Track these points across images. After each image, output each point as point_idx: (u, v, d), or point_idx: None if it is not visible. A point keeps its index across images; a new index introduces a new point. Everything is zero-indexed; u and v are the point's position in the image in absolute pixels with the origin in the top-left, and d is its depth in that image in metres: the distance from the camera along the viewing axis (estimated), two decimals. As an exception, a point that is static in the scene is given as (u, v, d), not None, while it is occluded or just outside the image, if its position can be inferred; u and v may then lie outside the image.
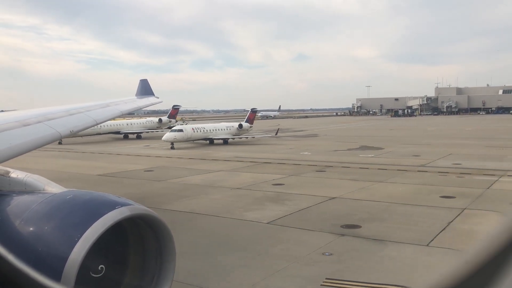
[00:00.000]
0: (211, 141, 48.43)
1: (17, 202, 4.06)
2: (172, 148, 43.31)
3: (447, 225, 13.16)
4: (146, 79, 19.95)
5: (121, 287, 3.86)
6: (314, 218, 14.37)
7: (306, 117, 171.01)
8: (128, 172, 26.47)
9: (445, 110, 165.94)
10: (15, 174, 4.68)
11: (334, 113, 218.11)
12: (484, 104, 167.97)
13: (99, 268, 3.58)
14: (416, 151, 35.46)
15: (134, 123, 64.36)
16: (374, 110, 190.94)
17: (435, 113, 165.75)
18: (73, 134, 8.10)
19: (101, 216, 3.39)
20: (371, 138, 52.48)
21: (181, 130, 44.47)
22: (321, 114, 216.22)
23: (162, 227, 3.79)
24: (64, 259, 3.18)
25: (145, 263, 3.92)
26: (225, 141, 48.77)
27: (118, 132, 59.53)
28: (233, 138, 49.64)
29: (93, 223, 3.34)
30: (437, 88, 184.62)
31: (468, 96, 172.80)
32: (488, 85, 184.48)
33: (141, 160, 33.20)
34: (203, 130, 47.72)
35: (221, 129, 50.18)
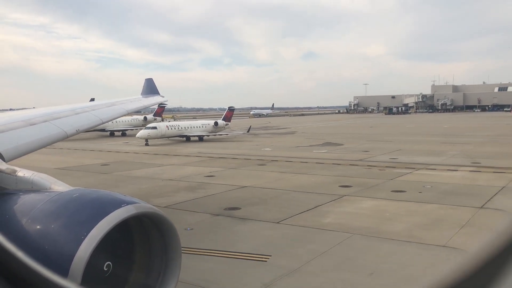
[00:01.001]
0: (187, 138, 50.71)
1: (24, 201, 4.09)
2: (147, 144, 45.67)
3: (313, 208, 15.34)
4: (151, 78, 20.13)
5: (127, 284, 3.90)
6: (209, 203, 16.58)
7: (302, 115, 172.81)
8: (85, 166, 28.86)
9: (439, 108, 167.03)
10: (21, 173, 4.68)
11: (336, 111, 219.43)
12: (479, 101, 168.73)
13: (106, 266, 3.61)
14: (370, 147, 37.52)
15: (120, 121, 66.48)
16: (372, 108, 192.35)
17: (430, 110, 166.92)
18: (79, 133, 8.20)
19: (107, 215, 3.43)
20: (343, 135, 54.52)
21: (154, 128, 46.77)
22: (320, 112, 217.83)
23: (167, 225, 3.84)
24: (71, 256, 3.22)
25: (151, 260, 3.96)
26: (201, 138, 51.02)
27: (103, 130, 61.87)
28: (208, 135, 51.97)
29: (99, 221, 3.37)
30: (433, 86, 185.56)
31: (464, 94, 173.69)
32: (484, 82, 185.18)
33: (106, 155, 35.60)
34: (178, 128, 50.05)
35: (197, 127, 52.49)
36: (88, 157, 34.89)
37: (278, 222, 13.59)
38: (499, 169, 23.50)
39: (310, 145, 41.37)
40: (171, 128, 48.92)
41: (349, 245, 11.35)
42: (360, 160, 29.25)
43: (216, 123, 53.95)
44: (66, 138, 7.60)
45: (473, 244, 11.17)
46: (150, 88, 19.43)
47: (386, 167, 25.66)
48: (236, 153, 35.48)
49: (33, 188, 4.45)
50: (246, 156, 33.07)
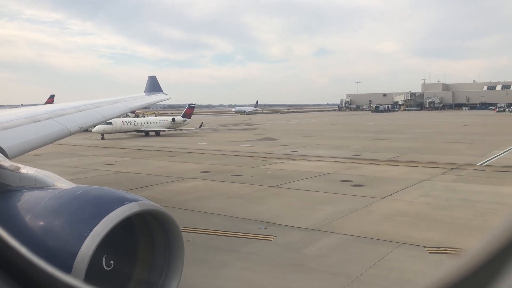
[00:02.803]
0: (146, 133, 54.73)
1: (27, 198, 4.07)
2: (102, 138, 49.77)
3: (154, 185, 19.23)
4: (155, 76, 20.03)
5: (131, 282, 3.91)
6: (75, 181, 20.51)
7: (293, 112, 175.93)
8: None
9: (427, 106, 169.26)
10: (25, 170, 4.68)
11: (328, 109, 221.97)
12: (468, 100, 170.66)
13: (109, 263, 3.60)
14: (295, 142, 41.18)
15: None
16: (365, 106, 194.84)
17: (418, 108, 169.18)
18: (82, 130, 8.15)
19: (110, 212, 3.43)
20: (293, 131, 58.21)
21: (110, 123, 50.65)
22: (313, 110, 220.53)
23: (170, 223, 3.84)
24: (74, 253, 3.23)
25: (154, 257, 3.96)
26: (157, 133, 55.01)
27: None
28: (164, 131, 55.93)
29: (102, 218, 3.37)
30: (423, 84, 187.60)
31: (453, 92, 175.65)
32: (474, 81, 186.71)
33: (51, 148, 39.64)
34: (134, 123, 54.00)
35: (153, 122, 56.41)
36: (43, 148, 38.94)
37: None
38: (363, 160, 27.09)
39: (248, 140, 45.06)
40: (127, 124, 52.80)
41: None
42: (265, 152, 32.84)
43: (173, 119, 57.84)
44: (69, 135, 7.56)
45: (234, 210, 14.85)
46: (153, 85, 19.22)
47: (274, 158, 29.34)
48: (169, 146, 39.37)
49: (36, 185, 4.42)
50: (176, 148, 36.95)
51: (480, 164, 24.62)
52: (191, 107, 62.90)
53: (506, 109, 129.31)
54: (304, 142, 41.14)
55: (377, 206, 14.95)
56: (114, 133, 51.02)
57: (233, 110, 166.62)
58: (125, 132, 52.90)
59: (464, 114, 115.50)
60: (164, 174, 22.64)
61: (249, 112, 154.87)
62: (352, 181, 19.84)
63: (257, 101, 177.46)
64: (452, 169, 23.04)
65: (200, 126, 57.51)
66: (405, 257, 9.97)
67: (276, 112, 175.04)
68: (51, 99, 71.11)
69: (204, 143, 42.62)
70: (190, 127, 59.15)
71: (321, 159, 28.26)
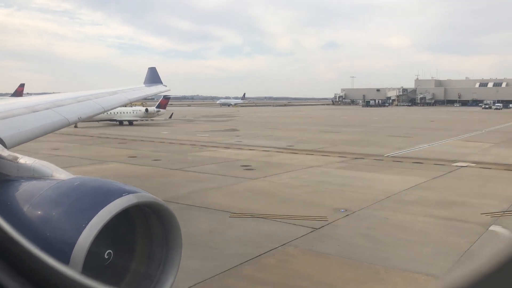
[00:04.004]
0: (120, 123, 57.47)
1: (25, 188, 4.01)
2: (76, 126, 52.52)
3: (72, 166, 21.84)
4: (155, 67, 20.18)
5: (128, 273, 3.90)
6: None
7: (285, 105, 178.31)
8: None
9: (419, 102, 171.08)
10: (23, 160, 4.62)
11: (330, 103, 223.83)
12: (459, 96, 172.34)
13: (107, 254, 3.61)
14: (252, 133, 43.55)
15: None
16: (358, 100, 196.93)
17: (409, 104, 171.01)
18: (81, 120, 8.20)
19: (108, 203, 3.42)
20: (262, 124, 60.64)
21: (83, 112, 53.53)
22: (307, 104, 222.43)
23: (168, 215, 3.83)
24: (72, 244, 3.24)
25: (152, 250, 3.96)
26: (131, 123, 57.74)
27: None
28: (136, 120, 58.64)
29: (100, 210, 3.37)
30: (416, 80, 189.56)
31: (445, 89, 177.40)
32: (466, 78, 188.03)
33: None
34: (108, 112, 56.70)
35: (127, 112, 59.06)
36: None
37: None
38: (289, 150, 29.61)
39: (211, 130, 47.58)
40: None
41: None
42: (212, 142, 35.11)
43: (146, 110, 60.50)
44: (68, 125, 7.53)
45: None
46: (153, 77, 19.22)
47: (213, 146, 31.87)
48: (129, 134, 42.11)
49: (34, 175, 4.42)
50: (131, 137, 39.63)
51: (387, 156, 27.03)
52: (166, 98, 65.41)
53: (492, 106, 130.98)
54: (260, 133, 43.62)
55: (241, 185, 17.51)
56: (88, 121, 53.75)
57: (217, 102, 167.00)
58: (98, 121, 55.56)
59: (448, 111, 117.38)
60: (92, 158, 25.30)
61: (235, 105, 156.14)
62: (250, 166, 22.40)
63: (244, 93, 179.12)
64: (355, 158, 25.50)
65: (170, 117, 60.18)
66: (205, 219, 12.57)
67: (269, 105, 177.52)
68: (21, 88, 73.23)
69: (166, 132, 45.26)
70: (168, 118, 62.00)
71: (252, 148, 30.74)
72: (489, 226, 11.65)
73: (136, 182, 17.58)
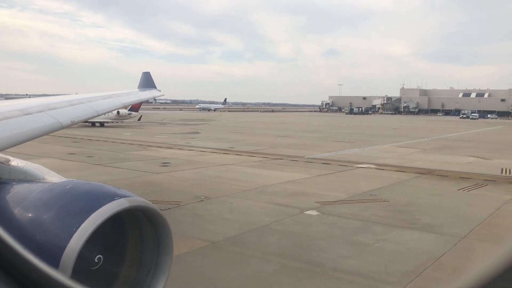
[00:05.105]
0: (92, 124, 59.84)
1: (16, 190, 4.04)
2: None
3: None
4: (149, 72, 20.52)
5: (118, 278, 3.89)
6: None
7: (273, 111, 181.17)
8: None
9: (402, 110, 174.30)
10: (15, 162, 4.65)
11: (317, 109, 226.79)
12: (443, 106, 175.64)
13: (97, 258, 3.59)
14: (209, 136, 46.14)
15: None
16: (345, 107, 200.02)
17: (393, 112, 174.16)
18: (74, 124, 8.25)
19: (100, 207, 3.42)
20: (229, 128, 63.20)
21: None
22: (296, 110, 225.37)
23: (160, 220, 3.85)
24: (62, 248, 3.22)
25: (143, 255, 3.96)
26: (102, 124, 60.11)
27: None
28: (108, 122, 61.03)
29: (92, 214, 3.37)
30: (402, 89, 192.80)
31: (429, 98, 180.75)
32: (451, 87, 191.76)
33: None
34: (79, 114, 59.07)
35: (98, 114, 61.42)
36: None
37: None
38: (225, 151, 32.06)
39: (172, 133, 50.01)
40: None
41: None
42: (163, 142, 37.56)
43: (118, 112, 62.78)
44: (61, 129, 7.60)
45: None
46: (147, 81, 19.58)
47: (157, 146, 34.31)
48: (92, 135, 44.44)
49: (26, 178, 4.40)
50: (92, 137, 41.98)
51: (308, 157, 29.45)
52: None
53: (470, 116, 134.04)
54: (218, 136, 45.86)
55: (142, 178, 19.91)
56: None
57: (197, 107, 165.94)
58: (70, 122, 57.88)
59: (426, 119, 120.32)
60: (34, 154, 27.67)
61: (215, 110, 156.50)
62: (170, 163, 24.83)
63: (225, 98, 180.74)
64: (275, 159, 27.94)
65: (139, 119, 62.66)
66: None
67: (256, 111, 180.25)
68: None
69: (128, 134, 47.66)
70: (144, 121, 64.45)
71: (193, 149, 33.08)
72: (306, 211, 14.11)
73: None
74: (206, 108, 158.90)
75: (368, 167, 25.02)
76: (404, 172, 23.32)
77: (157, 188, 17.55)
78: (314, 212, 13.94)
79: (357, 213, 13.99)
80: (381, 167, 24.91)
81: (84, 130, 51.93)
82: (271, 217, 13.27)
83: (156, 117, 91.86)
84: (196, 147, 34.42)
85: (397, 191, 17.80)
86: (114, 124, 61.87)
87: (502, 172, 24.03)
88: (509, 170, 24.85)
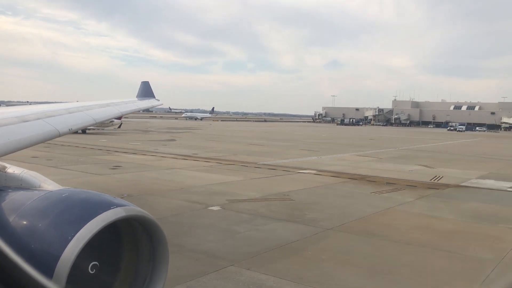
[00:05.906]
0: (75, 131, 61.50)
1: (12, 198, 4.02)
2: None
3: None
4: (148, 82, 20.83)
5: (113, 287, 3.89)
6: None
7: (265, 121, 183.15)
8: None
9: (393, 122, 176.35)
10: (11, 169, 4.64)
11: (310, 120, 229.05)
12: (434, 118, 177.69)
13: (92, 268, 3.58)
14: (183, 144, 47.77)
15: None
16: (338, 118, 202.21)
17: (384, 124, 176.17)
18: (72, 131, 8.26)
19: (96, 216, 3.41)
20: (209, 136, 64.79)
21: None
22: (289, 120, 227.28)
23: (156, 230, 3.84)
24: (57, 257, 3.21)
25: (138, 265, 3.95)
26: (84, 131, 61.73)
27: None
28: (89, 129, 62.68)
29: (87, 222, 3.36)
30: (394, 101, 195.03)
31: (421, 110, 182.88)
32: (442, 100, 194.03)
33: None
34: (62, 121, 60.85)
35: (80, 121, 63.16)
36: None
37: None
38: (186, 157, 33.65)
39: (149, 140, 51.72)
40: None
41: None
42: (132, 149, 39.24)
43: (100, 120, 64.65)
44: (58, 136, 7.57)
45: None
46: (146, 91, 19.67)
47: (123, 152, 35.91)
48: (68, 141, 46.02)
49: (22, 185, 4.41)
50: (66, 143, 43.56)
51: (261, 163, 31.01)
52: (123, 110, 69.66)
53: (457, 128, 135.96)
54: (190, 144, 47.27)
55: (84, 178, 21.52)
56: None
57: (183, 115, 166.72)
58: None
59: (412, 131, 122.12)
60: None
61: (201, 119, 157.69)
62: (121, 166, 26.42)
63: (213, 107, 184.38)
64: (227, 164, 29.53)
65: (119, 127, 64.48)
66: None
67: (249, 120, 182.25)
68: None
69: (105, 140, 49.31)
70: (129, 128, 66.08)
71: (155, 154, 34.74)
72: (210, 207, 15.68)
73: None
74: (192, 117, 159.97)
75: (309, 173, 26.60)
76: (338, 177, 24.89)
77: (88, 187, 19.11)
78: (216, 208, 15.51)
79: (255, 209, 15.56)
80: (321, 173, 26.49)
81: (64, 137, 53.47)
82: (174, 211, 14.83)
83: (144, 125, 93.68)
84: (161, 153, 36.00)
85: (311, 193, 19.38)
86: (96, 131, 63.59)
87: (431, 179, 25.61)
88: (440, 177, 26.45)
